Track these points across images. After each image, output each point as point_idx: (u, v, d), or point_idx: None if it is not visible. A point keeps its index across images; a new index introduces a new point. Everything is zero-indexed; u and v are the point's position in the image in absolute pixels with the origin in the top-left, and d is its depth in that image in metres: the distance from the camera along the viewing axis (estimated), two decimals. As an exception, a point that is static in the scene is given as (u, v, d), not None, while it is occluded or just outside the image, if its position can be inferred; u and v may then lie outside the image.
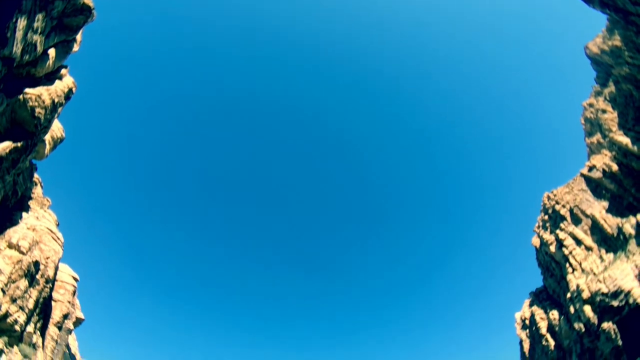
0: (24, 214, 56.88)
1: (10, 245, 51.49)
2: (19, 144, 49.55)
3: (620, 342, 75.94)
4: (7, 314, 46.60)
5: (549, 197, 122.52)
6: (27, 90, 49.27)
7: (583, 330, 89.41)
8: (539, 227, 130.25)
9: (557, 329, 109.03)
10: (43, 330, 56.51)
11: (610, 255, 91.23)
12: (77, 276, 72.52)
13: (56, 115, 57.77)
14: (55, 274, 62.07)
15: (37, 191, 62.38)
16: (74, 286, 70.30)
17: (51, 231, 61.97)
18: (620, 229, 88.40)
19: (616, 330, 76.74)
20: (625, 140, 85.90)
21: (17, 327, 47.46)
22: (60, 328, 61.65)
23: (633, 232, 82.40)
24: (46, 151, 58.78)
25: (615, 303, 77.85)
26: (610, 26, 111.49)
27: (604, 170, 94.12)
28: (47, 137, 58.06)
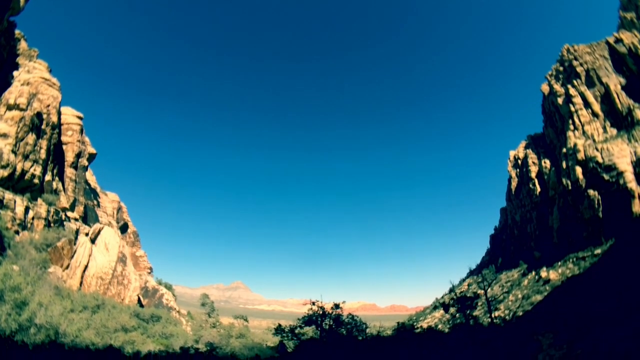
0: (15, 72, 56.15)
1: (9, 107, 52.79)
2: (-13, 3, 45.76)
3: (600, 214, 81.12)
4: (23, 172, 51.48)
5: (568, 50, 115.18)
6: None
7: (570, 187, 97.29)
8: (551, 75, 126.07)
9: (546, 177, 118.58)
10: (61, 174, 63.55)
11: (614, 131, 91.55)
12: (81, 115, 75.26)
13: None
14: (59, 118, 64.94)
15: (22, 46, 59.71)
16: (79, 125, 73.94)
17: (45, 79, 62.14)
18: (630, 111, 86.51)
19: (600, 201, 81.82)
20: (658, 28, 75.42)
21: (35, 180, 53.03)
22: (75, 168, 68.75)
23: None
24: (21, 3, 53.71)
25: (605, 177, 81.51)
26: None
27: (629, 49, 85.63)
28: (18, -13, 52.15)
